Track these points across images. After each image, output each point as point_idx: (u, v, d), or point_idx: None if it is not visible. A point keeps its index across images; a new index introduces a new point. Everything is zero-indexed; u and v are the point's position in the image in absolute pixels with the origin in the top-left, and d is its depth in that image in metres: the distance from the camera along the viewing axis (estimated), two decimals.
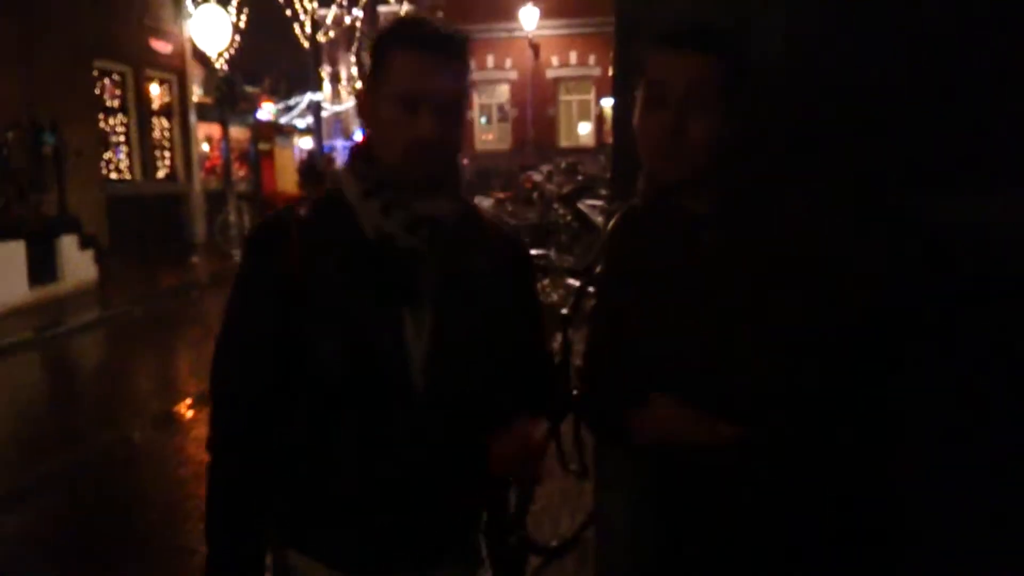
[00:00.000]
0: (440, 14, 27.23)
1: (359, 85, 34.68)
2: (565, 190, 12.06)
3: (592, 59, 26.47)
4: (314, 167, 22.05)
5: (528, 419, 1.48)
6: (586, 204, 10.46)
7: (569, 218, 10.86)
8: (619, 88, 2.01)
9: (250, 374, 1.45)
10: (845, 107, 1.76)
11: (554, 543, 3.80)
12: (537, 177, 16.90)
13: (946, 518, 1.67)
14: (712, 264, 1.46)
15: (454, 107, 1.40)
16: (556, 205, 11.69)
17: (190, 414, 6.29)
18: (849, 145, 1.74)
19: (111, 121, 16.29)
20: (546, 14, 25.60)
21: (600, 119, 26.41)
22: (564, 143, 27.40)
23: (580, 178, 16.00)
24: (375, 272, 1.41)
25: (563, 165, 19.31)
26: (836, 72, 1.77)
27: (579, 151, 24.64)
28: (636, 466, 1.73)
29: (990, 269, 1.66)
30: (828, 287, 1.40)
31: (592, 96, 27.07)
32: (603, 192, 9.88)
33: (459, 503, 1.53)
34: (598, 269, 1.89)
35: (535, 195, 14.67)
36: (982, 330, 1.66)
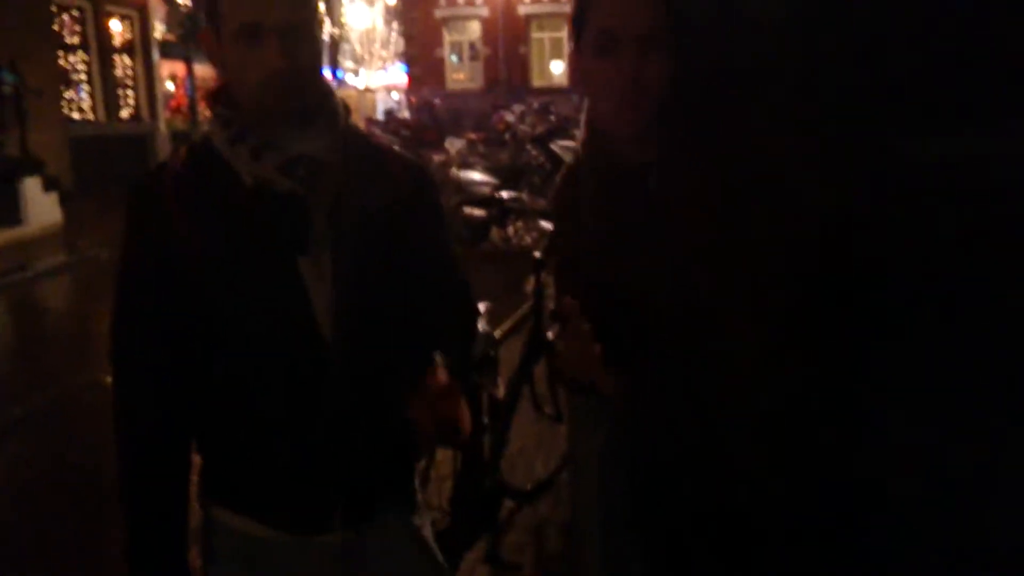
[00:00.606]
0: None
1: (327, 22, 33.99)
2: (538, 131, 11.97)
3: None
4: None
5: (430, 376, 1.37)
6: (559, 145, 10.37)
7: (542, 159, 10.78)
8: None
9: (146, 345, 1.39)
10: (815, 34, 1.71)
11: (528, 486, 3.84)
12: (510, 118, 16.76)
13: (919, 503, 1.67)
14: (662, 211, 1.43)
15: (302, 30, 1.31)
16: (529, 146, 11.60)
17: None
18: (820, 76, 1.70)
19: (71, 59, 15.83)
20: None
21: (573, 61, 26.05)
22: (537, 82, 27.07)
23: (553, 119, 15.89)
24: (261, 223, 1.33)
25: (536, 105, 19.15)
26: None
27: (552, 91, 24.38)
28: (607, 409, 1.73)
29: (984, 213, 1.62)
30: (789, 229, 1.38)
31: (565, 34, 26.46)
32: (576, 133, 9.80)
33: (385, 450, 1.49)
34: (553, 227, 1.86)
35: (508, 136, 14.54)
36: (974, 288, 1.61)
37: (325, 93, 1.41)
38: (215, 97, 1.40)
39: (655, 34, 1.37)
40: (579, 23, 1.44)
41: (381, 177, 1.45)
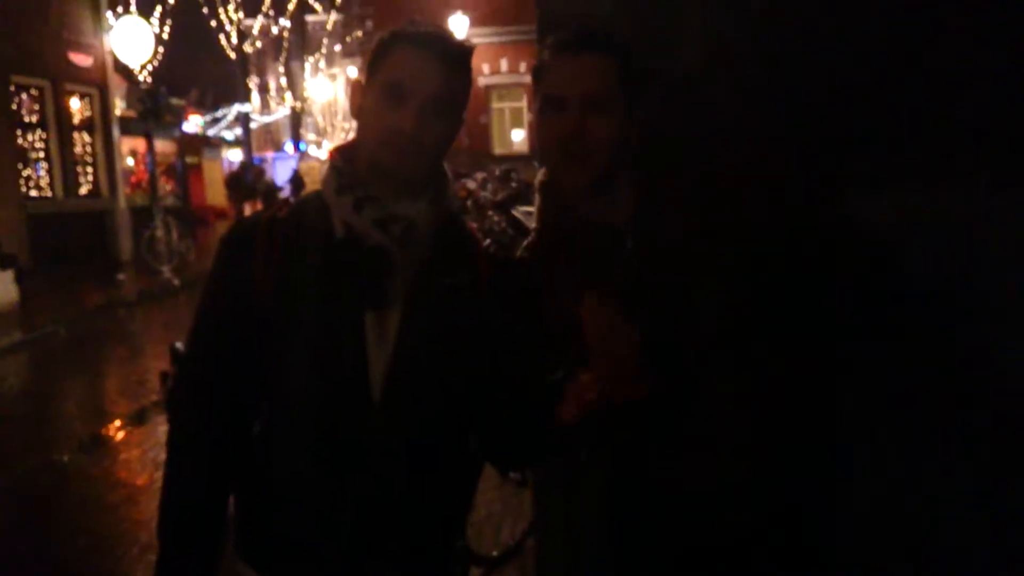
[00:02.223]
0: (369, 22, 27.12)
1: (288, 96, 34.31)
2: (499, 197, 12.06)
3: (523, 67, 26.55)
4: (241, 179, 21.74)
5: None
6: (521, 211, 10.46)
7: (504, 225, 10.86)
8: None
9: (217, 378, 1.43)
10: (766, 107, 1.79)
11: (495, 552, 3.79)
12: (471, 185, 16.89)
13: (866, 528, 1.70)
14: (637, 271, 1.46)
15: (441, 108, 1.37)
16: (491, 212, 11.69)
17: (120, 436, 6.10)
18: (769, 145, 1.77)
19: (29, 137, 15.75)
20: (475, 22, 25.63)
21: (533, 126, 26.51)
22: (498, 150, 27.42)
23: (514, 185, 16.01)
24: (341, 272, 1.37)
25: (497, 172, 19.33)
26: (755, 73, 1.80)
27: (513, 158, 24.64)
28: (574, 475, 1.73)
29: (921, 269, 1.68)
30: (753, 286, 1.43)
31: (524, 103, 27.12)
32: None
33: (422, 527, 1.45)
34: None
35: (469, 203, 14.65)
36: (909, 333, 1.68)
37: (439, 173, 1.46)
38: (338, 152, 1.46)
39: (599, 98, 1.43)
40: (535, 89, 1.50)
41: (465, 259, 1.47)
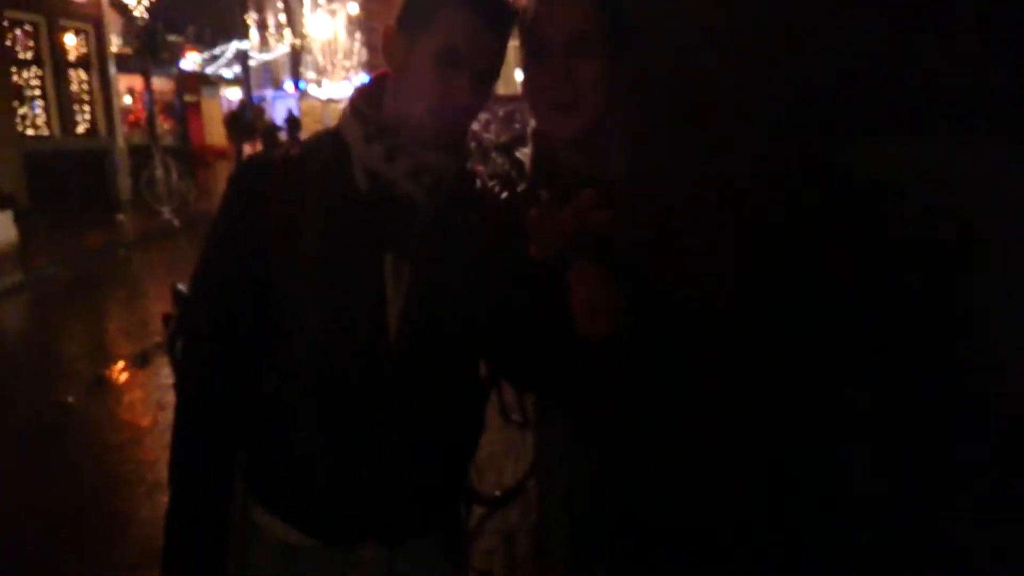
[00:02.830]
0: None
1: (288, 32, 33.77)
2: (503, 139, 11.94)
3: None
4: (241, 118, 21.55)
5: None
6: (524, 153, 10.37)
7: (507, 167, 10.79)
8: None
9: (225, 319, 1.42)
10: (768, 48, 1.73)
11: (497, 493, 3.83)
12: (475, 126, 16.75)
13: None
14: (628, 226, 1.43)
15: (490, 75, 1.37)
16: (494, 154, 11.59)
17: (123, 378, 6.14)
18: (762, 90, 1.71)
19: (24, 74, 15.54)
20: None
21: None
22: (501, 91, 27.10)
23: (518, 127, 15.87)
24: (366, 218, 1.36)
25: (501, 114, 19.14)
26: (757, 12, 1.73)
27: (517, 99, 24.39)
28: (574, 416, 1.72)
29: (930, 226, 1.64)
30: (743, 242, 1.40)
31: None
32: None
33: (432, 468, 1.47)
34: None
35: (472, 144, 14.51)
36: (919, 305, 1.64)
37: (466, 126, 1.45)
38: (361, 96, 1.43)
39: (586, 37, 1.38)
40: (520, 39, 1.44)
41: (473, 202, 1.47)
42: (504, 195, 1.54)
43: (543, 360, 1.47)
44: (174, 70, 22.50)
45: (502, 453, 4.18)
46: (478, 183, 1.53)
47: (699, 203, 1.42)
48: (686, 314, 1.43)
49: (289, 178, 1.38)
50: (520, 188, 1.63)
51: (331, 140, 1.42)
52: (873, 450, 1.53)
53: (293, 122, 24.44)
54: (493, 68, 1.38)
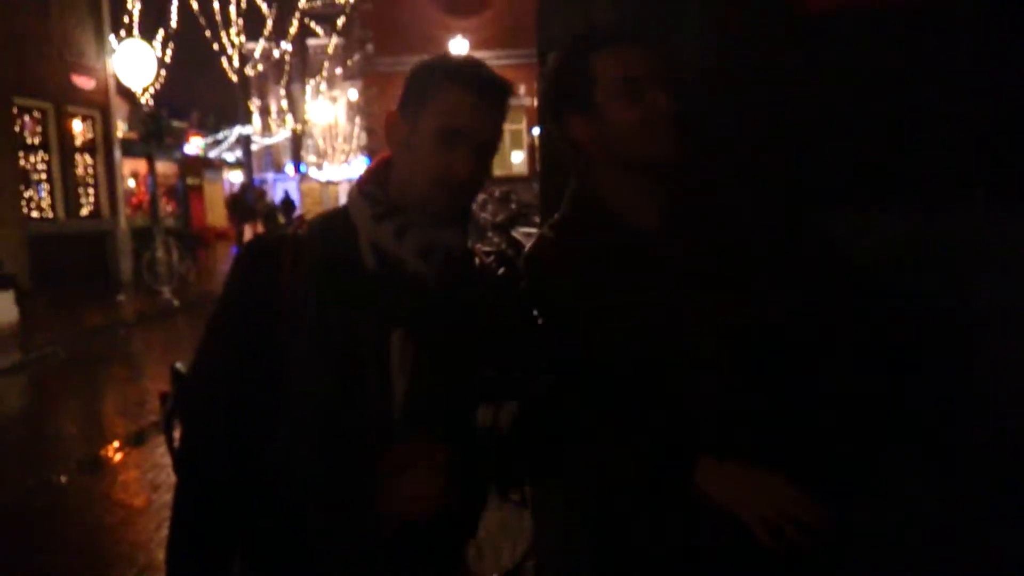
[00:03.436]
0: (369, 46, 27.32)
1: (289, 118, 34.49)
2: (499, 218, 12.10)
3: (523, 89, 26.65)
4: (242, 200, 21.82)
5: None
6: (520, 232, 10.51)
7: (504, 246, 10.90)
8: (544, 116, 2.04)
9: (228, 394, 1.42)
10: (764, 123, 1.80)
11: (495, 574, 3.77)
12: (471, 206, 16.98)
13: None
14: (669, 275, 1.47)
15: (491, 149, 1.44)
16: (491, 233, 11.73)
17: (118, 457, 6.09)
18: (769, 160, 1.78)
19: (32, 159, 15.84)
20: (476, 46, 25.81)
21: (533, 148, 26.68)
22: (498, 172, 27.46)
23: (514, 206, 16.09)
24: (372, 295, 1.39)
25: (497, 194, 19.41)
26: (748, 89, 1.81)
27: (513, 180, 24.76)
28: (570, 497, 1.73)
29: (918, 289, 1.69)
30: (766, 295, 1.44)
31: (524, 125, 27.29)
32: (537, 220, 9.95)
33: (432, 544, 1.46)
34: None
35: (469, 224, 14.73)
36: (899, 352, 1.69)
37: (470, 202, 1.51)
38: (369, 178, 1.47)
39: (661, 77, 1.47)
40: (584, 84, 1.50)
41: (474, 278, 1.52)
42: (502, 271, 1.59)
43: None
44: (178, 154, 22.93)
45: (499, 534, 4.12)
46: (477, 260, 1.57)
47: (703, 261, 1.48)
48: (680, 391, 1.46)
49: (298, 256, 1.41)
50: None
51: (339, 219, 1.46)
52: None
53: (288, 204, 24.73)
54: (492, 142, 1.44)
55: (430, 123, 1.39)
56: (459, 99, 1.39)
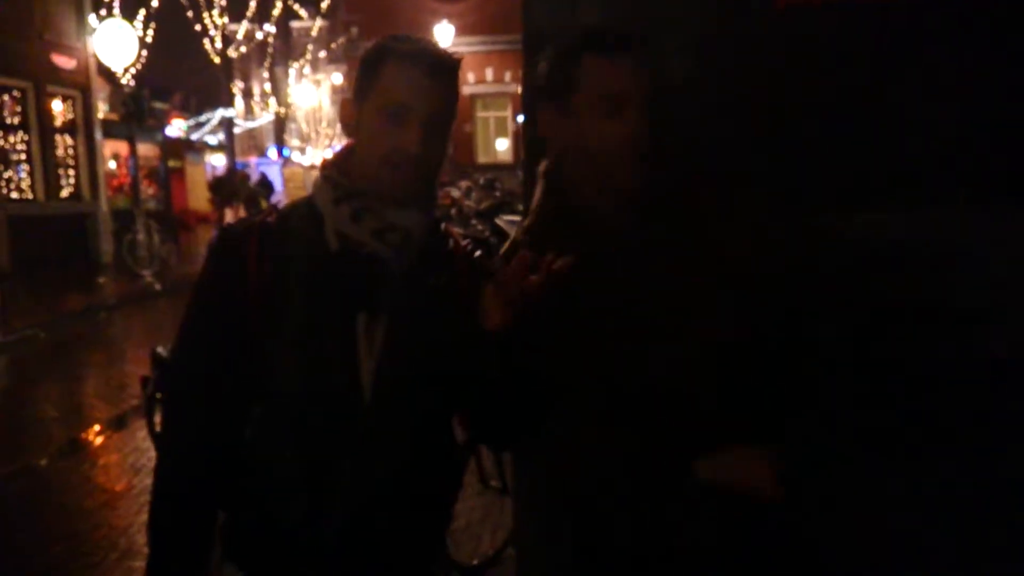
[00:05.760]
0: (354, 29, 27.13)
1: (272, 101, 34.21)
2: (483, 206, 12.12)
3: (508, 76, 26.67)
4: (224, 183, 21.67)
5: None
6: (504, 220, 10.50)
7: (487, 234, 10.90)
8: (529, 104, 2.04)
9: (207, 378, 1.45)
10: (754, 121, 1.81)
11: (475, 562, 3.79)
12: (455, 193, 16.93)
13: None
14: (642, 276, 1.47)
15: (439, 124, 1.43)
16: (475, 221, 11.73)
17: (98, 441, 6.07)
18: (759, 159, 1.79)
19: (11, 139, 15.66)
20: (461, 31, 25.70)
21: (518, 136, 26.62)
22: (482, 159, 27.48)
23: (498, 194, 16.11)
24: (336, 279, 1.42)
25: (481, 181, 19.39)
26: (745, 85, 1.82)
27: (497, 167, 24.76)
28: (551, 483, 1.74)
29: (901, 288, 1.72)
30: (747, 297, 1.45)
31: (509, 113, 27.26)
32: (521, 208, 9.94)
33: (407, 528, 1.48)
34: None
35: (453, 211, 14.69)
36: (889, 351, 1.70)
37: (432, 181, 1.50)
38: (331, 163, 1.50)
39: (651, 95, 1.46)
40: (567, 87, 1.49)
41: (450, 264, 1.53)
42: (477, 253, 1.59)
43: (511, 413, 1.50)
44: (159, 136, 22.72)
45: (480, 521, 4.15)
46: (451, 241, 1.57)
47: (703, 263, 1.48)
48: (669, 382, 1.47)
49: (266, 242, 1.44)
50: (505, 245, 1.68)
51: (305, 205, 1.49)
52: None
53: (265, 185, 24.44)
54: (441, 117, 1.43)
55: (376, 102, 1.41)
56: (402, 75, 1.39)
